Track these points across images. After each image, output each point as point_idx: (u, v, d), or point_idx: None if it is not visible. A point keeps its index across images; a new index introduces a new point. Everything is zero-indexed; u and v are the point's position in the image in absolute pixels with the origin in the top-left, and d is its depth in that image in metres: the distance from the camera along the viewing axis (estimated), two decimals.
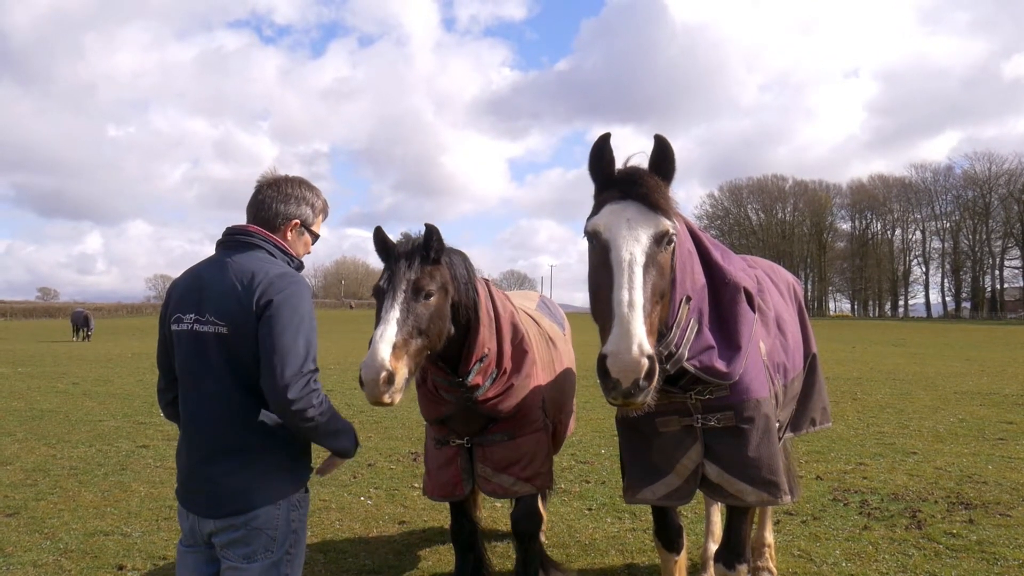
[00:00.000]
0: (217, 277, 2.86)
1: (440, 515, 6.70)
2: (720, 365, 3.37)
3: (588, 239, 3.00)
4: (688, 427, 3.55)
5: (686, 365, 3.29)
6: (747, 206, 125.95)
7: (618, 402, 2.66)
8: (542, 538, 6.03)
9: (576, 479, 8.19)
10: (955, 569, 5.33)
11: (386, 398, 3.34)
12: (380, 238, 3.91)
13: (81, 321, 42.99)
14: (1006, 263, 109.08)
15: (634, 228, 2.89)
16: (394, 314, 3.56)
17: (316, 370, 2.81)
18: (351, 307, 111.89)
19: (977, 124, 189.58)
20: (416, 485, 7.83)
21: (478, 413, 4.21)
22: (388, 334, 3.47)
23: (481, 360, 4.11)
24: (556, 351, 5.05)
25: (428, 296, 3.72)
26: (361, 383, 3.34)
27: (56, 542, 6.09)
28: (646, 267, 2.82)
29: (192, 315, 2.85)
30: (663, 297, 2.99)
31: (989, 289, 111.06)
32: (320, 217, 3.21)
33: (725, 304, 3.53)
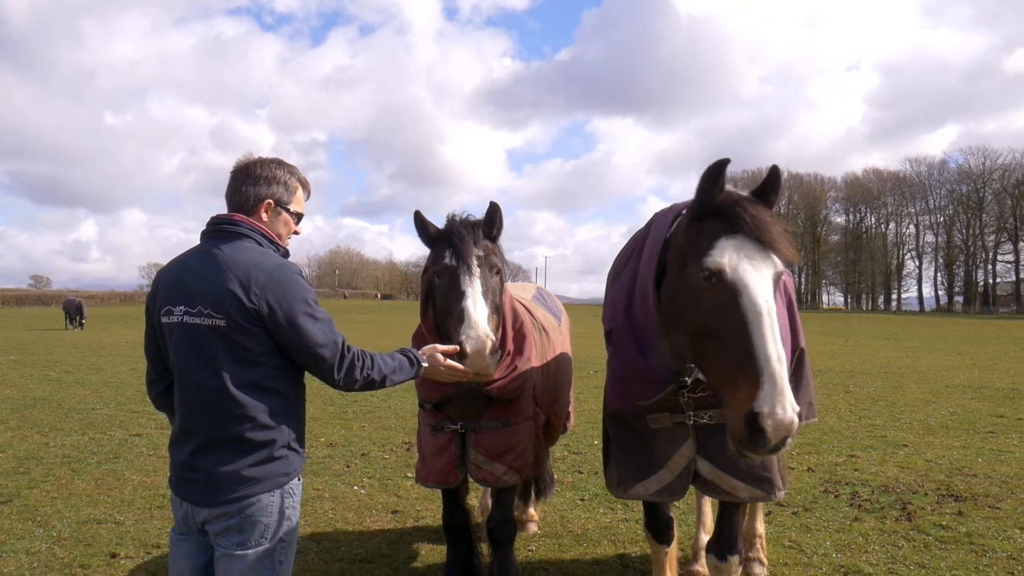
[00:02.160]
0: (207, 269, 2.84)
1: (433, 504, 6.71)
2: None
3: (704, 275, 2.77)
4: (680, 424, 3.53)
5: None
6: None
7: (752, 454, 2.61)
8: (535, 528, 6.08)
9: (569, 469, 8.22)
10: (944, 560, 5.37)
11: (492, 368, 3.58)
12: (420, 220, 4.04)
13: (74, 309, 42.90)
14: (999, 258, 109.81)
15: (760, 270, 2.75)
16: (478, 287, 3.75)
17: (344, 341, 2.96)
18: (345, 296, 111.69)
19: (978, 118, 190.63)
20: (409, 475, 7.84)
21: (477, 397, 4.23)
22: (481, 307, 3.67)
23: None
24: (549, 342, 5.05)
25: (497, 272, 3.93)
26: (464, 355, 3.48)
27: (49, 530, 6.09)
28: (778, 315, 2.72)
29: (182, 307, 2.83)
30: None
31: (982, 283, 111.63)
32: (297, 195, 3.12)
33: None
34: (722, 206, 2.86)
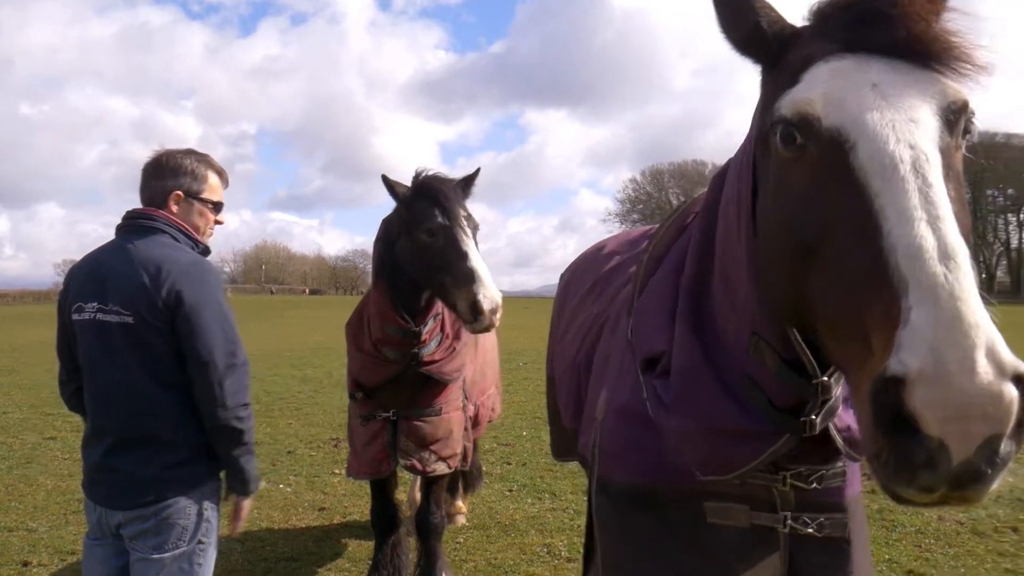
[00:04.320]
0: (120, 264, 2.77)
1: (361, 501, 6.68)
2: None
3: (780, 132, 1.54)
4: (764, 529, 1.99)
5: (830, 422, 1.89)
6: (668, 191, 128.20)
7: (923, 499, 1.25)
8: (463, 520, 6.12)
9: (498, 461, 8.27)
10: None
11: (498, 322, 3.80)
12: (388, 182, 4.13)
13: None
14: None
15: (897, 100, 1.45)
16: (476, 249, 3.92)
17: (247, 363, 2.84)
18: (272, 292, 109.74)
19: None
20: (337, 471, 7.78)
21: (414, 380, 4.25)
22: (486, 268, 3.82)
23: (435, 317, 4.24)
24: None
25: (476, 231, 4.05)
26: (480, 312, 3.68)
27: None
28: (946, 175, 1.39)
29: (95, 303, 2.76)
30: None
31: None
32: (209, 183, 3.01)
33: None
34: (832, 11, 1.58)
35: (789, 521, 1.96)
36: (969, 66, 1.47)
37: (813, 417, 1.82)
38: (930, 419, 1.15)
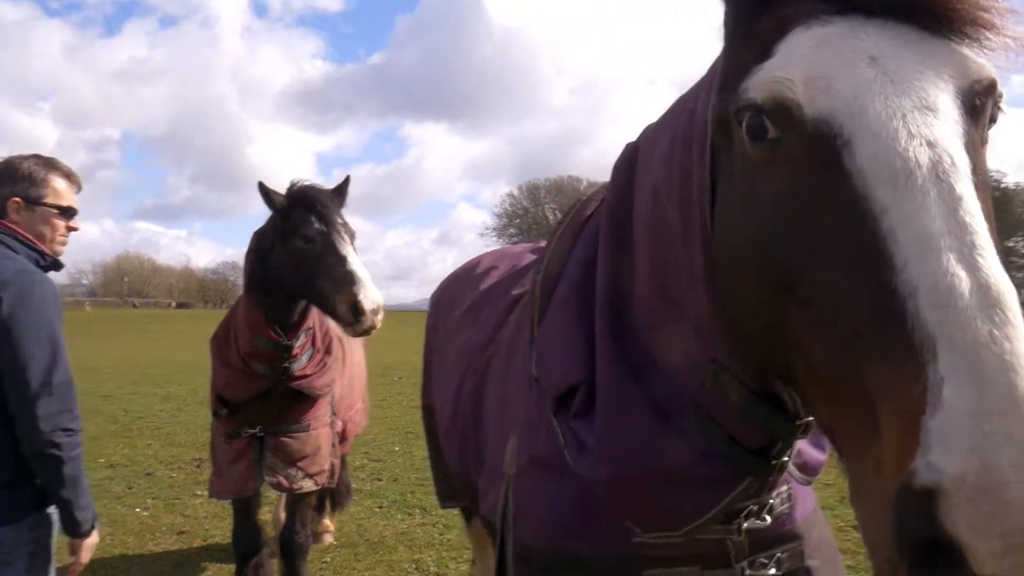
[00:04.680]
0: None
1: (223, 523, 6.44)
2: (817, 452, 1.78)
3: (746, 126, 1.18)
4: None
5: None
6: (544, 205, 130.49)
7: None
8: (330, 539, 6.01)
9: (368, 477, 8.17)
10: None
11: (380, 324, 3.85)
12: (264, 189, 4.08)
13: None
14: None
15: (913, 81, 1.09)
16: (355, 253, 3.97)
17: (70, 383, 2.64)
18: (135, 306, 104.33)
19: None
20: (199, 493, 7.48)
21: (283, 395, 4.18)
22: (365, 270, 3.88)
23: (307, 331, 4.20)
24: (344, 349, 5.06)
25: (354, 240, 4.09)
26: (362, 312, 3.72)
27: None
28: (976, 184, 1.05)
29: None
30: None
31: None
32: (52, 187, 2.84)
33: None
34: None
35: (748, 572, 1.64)
36: (997, 35, 1.11)
37: (785, 459, 1.50)
38: (982, 551, 0.80)
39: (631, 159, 1.71)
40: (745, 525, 1.58)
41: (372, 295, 3.77)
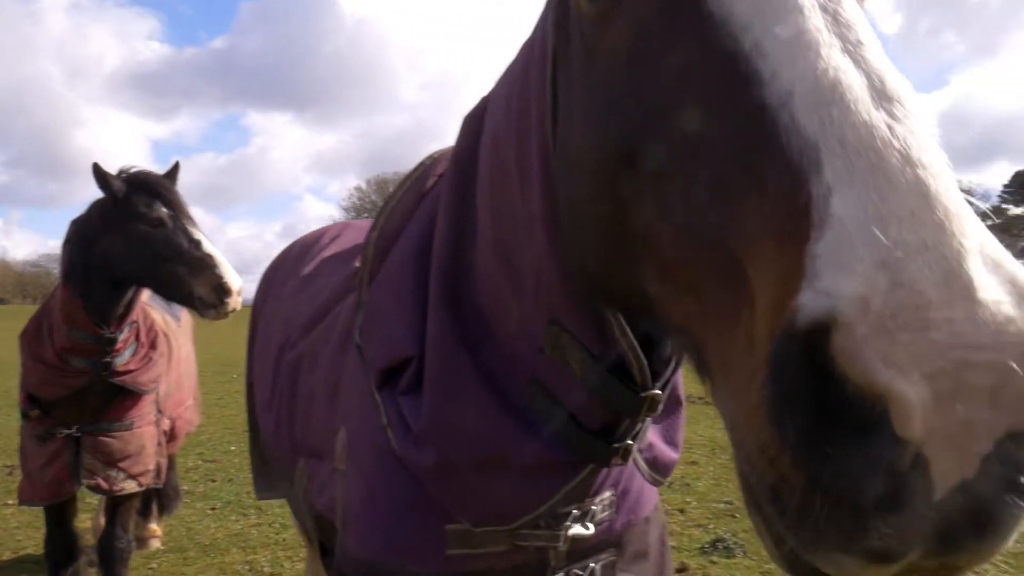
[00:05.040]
0: None
1: (38, 532, 5.99)
2: (670, 451, 1.68)
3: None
4: None
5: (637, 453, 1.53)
6: None
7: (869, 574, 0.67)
8: (157, 544, 5.74)
9: (201, 479, 7.86)
10: None
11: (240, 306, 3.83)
12: (100, 173, 3.86)
13: None
14: None
15: None
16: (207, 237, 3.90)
17: None
18: None
19: None
20: (10, 502, 6.92)
21: (102, 391, 3.98)
22: (220, 252, 3.85)
23: (131, 325, 4.03)
24: (171, 345, 4.85)
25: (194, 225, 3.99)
26: (228, 293, 3.73)
27: None
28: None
29: None
30: None
31: None
32: None
33: None
34: None
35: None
36: None
37: (630, 441, 1.37)
38: (908, 398, 0.58)
39: (481, 112, 1.53)
40: (571, 532, 1.46)
41: (232, 274, 3.79)
